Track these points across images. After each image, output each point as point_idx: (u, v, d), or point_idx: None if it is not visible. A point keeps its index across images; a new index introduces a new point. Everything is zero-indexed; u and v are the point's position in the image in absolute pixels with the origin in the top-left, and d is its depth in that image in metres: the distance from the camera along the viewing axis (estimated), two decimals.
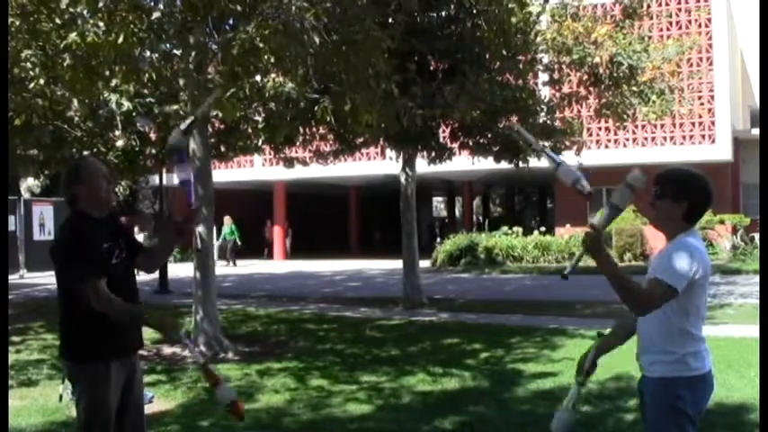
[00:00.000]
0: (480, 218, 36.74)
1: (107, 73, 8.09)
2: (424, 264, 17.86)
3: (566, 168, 3.01)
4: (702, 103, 21.56)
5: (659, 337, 2.91)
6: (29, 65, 7.56)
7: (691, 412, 2.89)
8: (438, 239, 26.80)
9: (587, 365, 3.24)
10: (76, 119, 10.59)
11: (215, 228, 12.74)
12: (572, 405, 3.24)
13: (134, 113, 10.00)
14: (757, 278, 14.43)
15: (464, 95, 10.54)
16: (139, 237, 19.93)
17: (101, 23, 7.15)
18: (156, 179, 20.25)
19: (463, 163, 15.05)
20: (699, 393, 2.93)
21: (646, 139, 22.58)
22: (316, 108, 9.08)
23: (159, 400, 6.36)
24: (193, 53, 8.11)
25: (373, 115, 8.47)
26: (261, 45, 7.14)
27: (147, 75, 8.31)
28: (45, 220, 23.23)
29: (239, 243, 25.40)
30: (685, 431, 2.89)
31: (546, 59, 12.62)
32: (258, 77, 9.03)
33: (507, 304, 12.85)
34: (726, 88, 21.94)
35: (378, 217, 32.74)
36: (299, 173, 16.13)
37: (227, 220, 24.89)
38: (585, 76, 12.31)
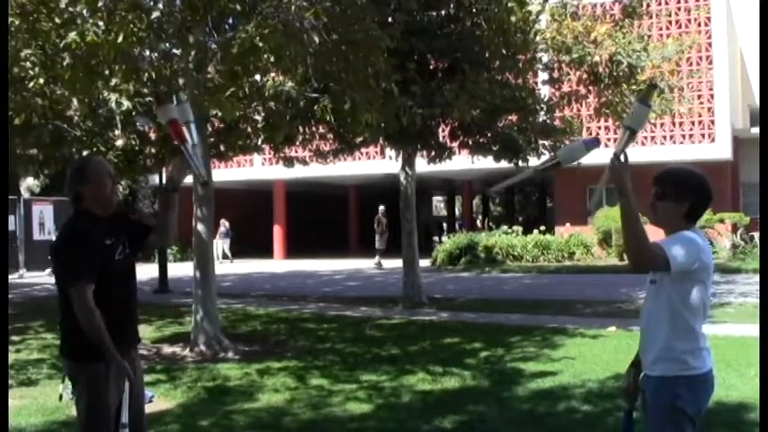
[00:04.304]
0: (480, 217, 36.77)
1: (107, 72, 8.08)
2: (424, 263, 17.86)
3: (568, 154, 3.03)
4: (702, 102, 21.57)
5: (666, 333, 2.90)
6: (28, 64, 7.55)
7: (690, 412, 2.89)
8: (438, 238, 26.76)
9: (630, 389, 3.13)
10: (76, 118, 10.58)
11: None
12: None
13: (134, 113, 9.99)
14: (757, 277, 14.43)
15: (464, 94, 10.54)
16: None
17: (100, 23, 7.14)
18: (155, 179, 20.23)
19: (463, 162, 15.05)
20: (699, 393, 2.93)
21: (645, 138, 22.57)
22: (315, 107, 9.09)
23: (159, 400, 6.36)
24: (193, 52, 8.10)
25: (373, 114, 8.46)
26: (260, 44, 7.14)
27: (146, 74, 8.30)
28: (45, 220, 23.25)
29: None
30: (684, 431, 2.90)
31: (545, 58, 12.62)
32: (258, 77, 9.02)
33: (507, 303, 12.86)
34: (725, 87, 21.94)
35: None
36: (298, 172, 16.12)
37: None
38: (585, 75, 12.31)
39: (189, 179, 3.97)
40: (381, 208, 22.85)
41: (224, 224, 26.42)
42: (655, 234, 2.85)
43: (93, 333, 3.24)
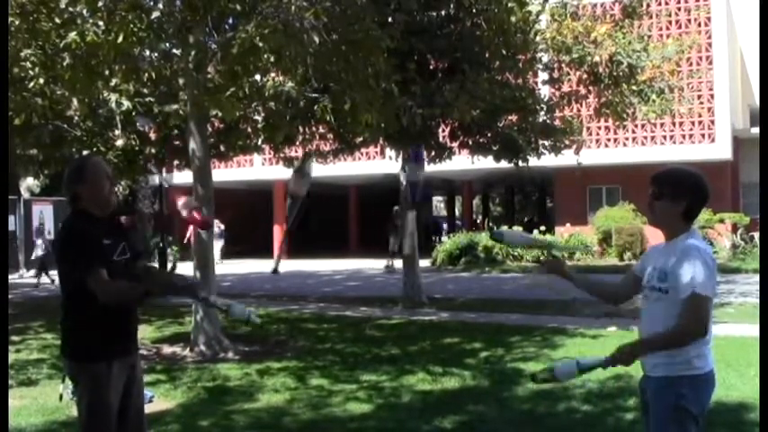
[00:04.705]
0: (480, 217, 36.75)
1: (107, 72, 8.09)
2: (424, 263, 17.86)
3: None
4: (702, 103, 21.56)
5: None
6: (28, 64, 7.56)
7: (694, 411, 2.90)
8: (438, 238, 26.72)
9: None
10: (76, 118, 10.60)
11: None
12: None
13: (134, 113, 10.00)
14: (757, 277, 14.43)
15: (464, 95, 10.54)
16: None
17: (100, 23, 7.15)
18: (155, 179, 20.23)
19: (463, 162, 15.05)
20: (702, 392, 2.94)
21: (645, 138, 22.56)
22: (315, 107, 9.09)
23: (159, 400, 6.36)
24: (193, 52, 8.10)
25: (373, 114, 8.46)
26: (260, 44, 7.14)
27: (146, 74, 8.31)
28: (45, 220, 23.24)
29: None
30: (688, 430, 2.90)
31: (545, 58, 12.62)
32: (258, 77, 9.02)
33: (507, 303, 12.85)
34: (725, 87, 21.94)
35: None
36: None
37: None
38: (585, 75, 12.30)
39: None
40: (396, 208, 22.49)
41: (218, 225, 26.13)
42: (654, 234, 2.86)
43: (126, 296, 3.35)
